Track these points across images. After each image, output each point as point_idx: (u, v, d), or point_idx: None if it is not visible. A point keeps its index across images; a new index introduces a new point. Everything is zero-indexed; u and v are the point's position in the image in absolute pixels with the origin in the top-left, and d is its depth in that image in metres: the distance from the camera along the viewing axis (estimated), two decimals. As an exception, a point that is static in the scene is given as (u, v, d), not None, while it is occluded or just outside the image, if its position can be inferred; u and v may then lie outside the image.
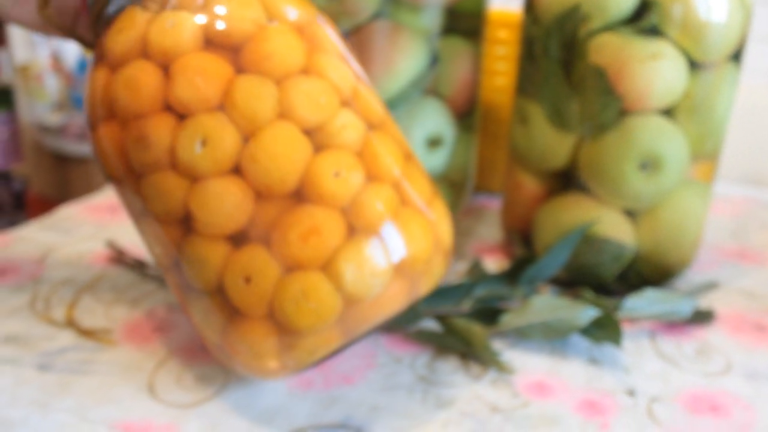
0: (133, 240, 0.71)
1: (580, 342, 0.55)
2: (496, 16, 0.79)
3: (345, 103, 0.42)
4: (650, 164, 0.56)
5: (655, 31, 0.54)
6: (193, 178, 0.40)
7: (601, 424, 0.46)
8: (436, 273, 0.44)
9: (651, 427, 0.45)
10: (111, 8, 0.45)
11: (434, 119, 0.59)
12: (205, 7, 0.42)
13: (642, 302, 0.55)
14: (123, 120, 0.42)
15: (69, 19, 0.51)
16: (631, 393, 0.49)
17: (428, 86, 0.59)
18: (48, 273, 0.63)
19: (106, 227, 0.74)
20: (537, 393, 0.49)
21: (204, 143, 0.40)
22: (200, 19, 0.41)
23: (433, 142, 0.60)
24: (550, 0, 0.57)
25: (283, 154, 0.39)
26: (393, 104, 0.57)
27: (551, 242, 0.61)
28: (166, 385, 0.48)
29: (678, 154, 0.56)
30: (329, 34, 0.45)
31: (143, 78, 0.41)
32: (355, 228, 0.40)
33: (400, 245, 0.41)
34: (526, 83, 0.61)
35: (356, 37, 0.56)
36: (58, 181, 2.56)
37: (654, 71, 0.54)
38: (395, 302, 0.42)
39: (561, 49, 0.57)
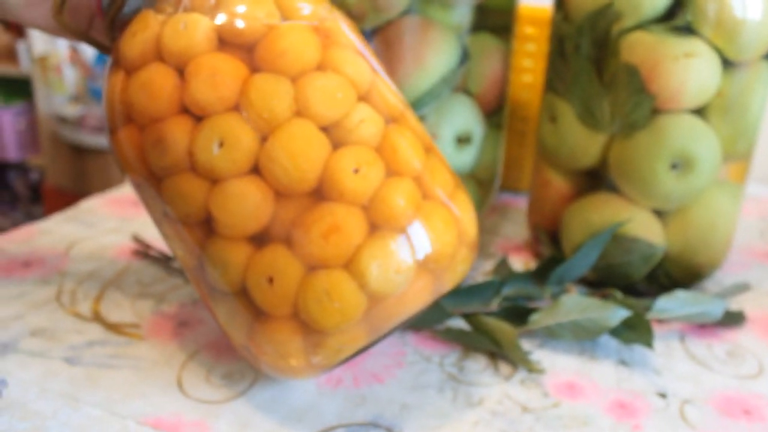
0: (157, 234, 0.70)
1: (609, 342, 0.54)
2: (524, 12, 0.78)
3: (362, 98, 0.42)
4: (682, 164, 0.56)
5: (688, 30, 0.54)
6: (212, 179, 0.40)
7: (633, 425, 0.45)
8: (461, 267, 0.44)
9: (684, 430, 0.45)
10: (125, 11, 0.44)
11: (464, 117, 0.59)
12: (218, 7, 0.42)
13: (673, 303, 0.55)
14: (141, 123, 0.41)
15: (84, 23, 0.51)
16: (663, 395, 0.48)
17: (458, 83, 0.58)
18: (73, 266, 0.63)
19: (130, 221, 0.74)
20: (567, 393, 0.48)
21: (221, 144, 0.39)
22: (213, 19, 0.41)
23: (462, 140, 0.60)
24: (583, -3, 0.57)
25: (300, 153, 0.39)
26: (423, 101, 0.56)
27: (580, 241, 0.61)
28: (195, 381, 0.48)
29: (710, 153, 0.56)
30: (345, 29, 0.44)
31: (158, 81, 0.41)
32: (377, 224, 0.39)
33: (423, 240, 0.40)
34: (556, 81, 0.61)
35: (387, 33, 0.55)
36: (74, 172, 2.57)
37: (687, 70, 0.53)
38: (420, 298, 0.41)
39: (593, 47, 0.56)
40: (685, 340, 0.55)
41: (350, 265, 0.39)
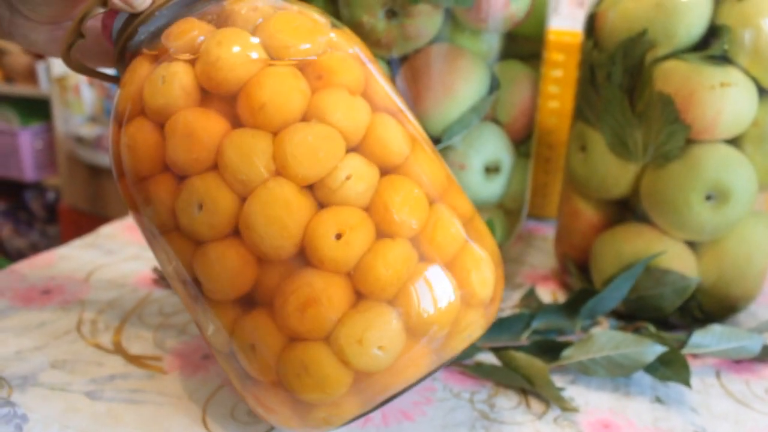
0: (178, 261, 0.69)
1: (643, 378, 0.53)
2: (551, 37, 0.77)
3: (354, 147, 0.38)
4: (717, 195, 0.54)
5: (724, 58, 0.52)
6: (195, 242, 0.38)
7: (674, 469, 0.44)
8: (467, 332, 0.40)
9: (726, 474, 0.43)
10: (127, 54, 0.42)
11: (493, 146, 0.58)
12: (200, 54, 0.39)
13: (709, 338, 0.53)
14: (130, 180, 0.40)
15: (107, 57, 0.49)
16: (702, 436, 0.47)
17: (487, 112, 0.57)
18: (93, 294, 0.62)
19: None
20: (602, 433, 0.47)
21: (201, 206, 0.37)
22: (192, 69, 0.38)
23: (491, 170, 0.58)
24: (614, 25, 0.56)
25: (278, 219, 0.36)
26: (452, 131, 0.55)
27: (610, 273, 0.59)
28: (219, 417, 0.46)
29: (746, 184, 0.54)
30: (347, 61, 0.41)
31: (141, 139, 0.39)
32: (363, 293, 0.36)
33: (413, 312, 0.36)
34: (586, 110, 0.60)
35: (415, 61, 0.54)
36: (91, 193, 2.57)
37: (723, 99, 0.52)
38: (417, 369, 0.38)
39: (625, 76, 0.55)
40: (721, 376, 0.54)
41: (329, 339, 0.36)
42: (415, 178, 0.40)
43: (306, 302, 0.36)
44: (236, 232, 0.37)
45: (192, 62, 0.38)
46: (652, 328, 0.54)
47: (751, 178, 0.55)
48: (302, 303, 0.36)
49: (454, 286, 0.38)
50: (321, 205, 0.37)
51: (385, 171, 0.39)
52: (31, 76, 2.70)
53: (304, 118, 0.38)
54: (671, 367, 0.50)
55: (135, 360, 0.52)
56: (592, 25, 0.59)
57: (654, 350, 0.49)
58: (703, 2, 0.52)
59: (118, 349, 0.54)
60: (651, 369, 0.50)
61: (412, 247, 0.38)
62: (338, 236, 0.36)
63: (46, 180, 2.81)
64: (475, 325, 0.40)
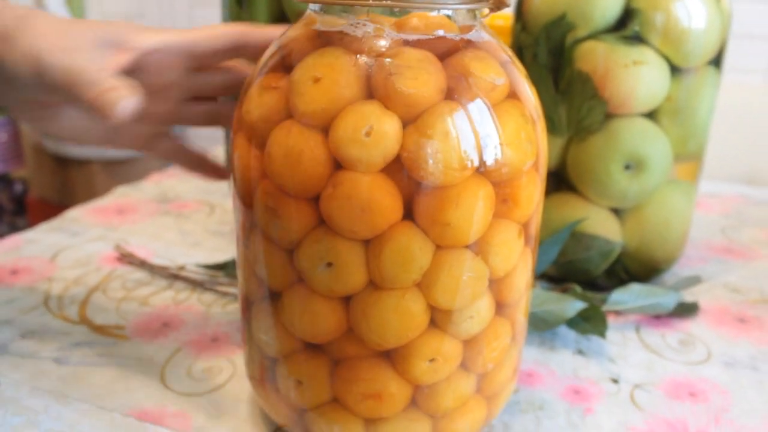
0: (141, 242, 0.73)
1: (568, 334, 0.57)
2: (500, 23, 0.81)
3: (490, 287, 0.38)
4: (634, 165, 0.59)
5: (638, 39, 0.57)
6: (300, 278, 0.37)
7: (586, 408, 0.48)
8: None
9: (633, 412, 0.48)
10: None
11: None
12: (419, 127, 0.33)
13: (627, 296, 0.58)
14: (263, 173, 0.36)
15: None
16: (615, 381, 0.52)
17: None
18: (59, 273, 0.66)
19: (114, 229, 0.76)
20: (526, 381, 0.51)
21: (329, 266, 0.35)
22: (403, 133, 0.33)
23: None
24: (538, 9, 0.60)
25: (394, 328, 0.36)
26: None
27: (541, 240, 0.64)
28: (177, 375, 0.51)
29: (661, 154, 0.59)
30: (532, 192, 0.38)
31: (307, 161, 0.34)
32: (417, 404, 0.39)
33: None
34: (517, 88, 0.64)
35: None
36: (58, 184, 2.58)
37: (637, 76, 0.57)
38: None
39: (549, 56, 0.60)
40: (641, 331, 0.58)
41: (371, 426, 0.39)
42: (512, 321, 0.41)
43: (370, 394, 0.38)
44: (347, 298, 0.37)
45: (405, 124, 0.33)
46: (578, 289, 0.59)
47: (666, 149, 0.59)
48: (366, 393, 0.38)
49: (483, 418, 0.43)
50: (433, 324, 0.37)
51: (499, 306, 0.39)
52: (-5, 69, 2.69)
53: (473, 247, 0.36)
54: (590, 322, 0.55)
55: (99, 329, 0.56)
56: (520, 8, 0.63)
57: (575, 306, 0.54)
58: (617, -13, 0.57)
59: (84, 321, 0.58)
60: (572, 323, 0.55)
61: (476, 381, 0.41)
62: (431, 361, 0.38)
63: (13, 172, 2.82)
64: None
